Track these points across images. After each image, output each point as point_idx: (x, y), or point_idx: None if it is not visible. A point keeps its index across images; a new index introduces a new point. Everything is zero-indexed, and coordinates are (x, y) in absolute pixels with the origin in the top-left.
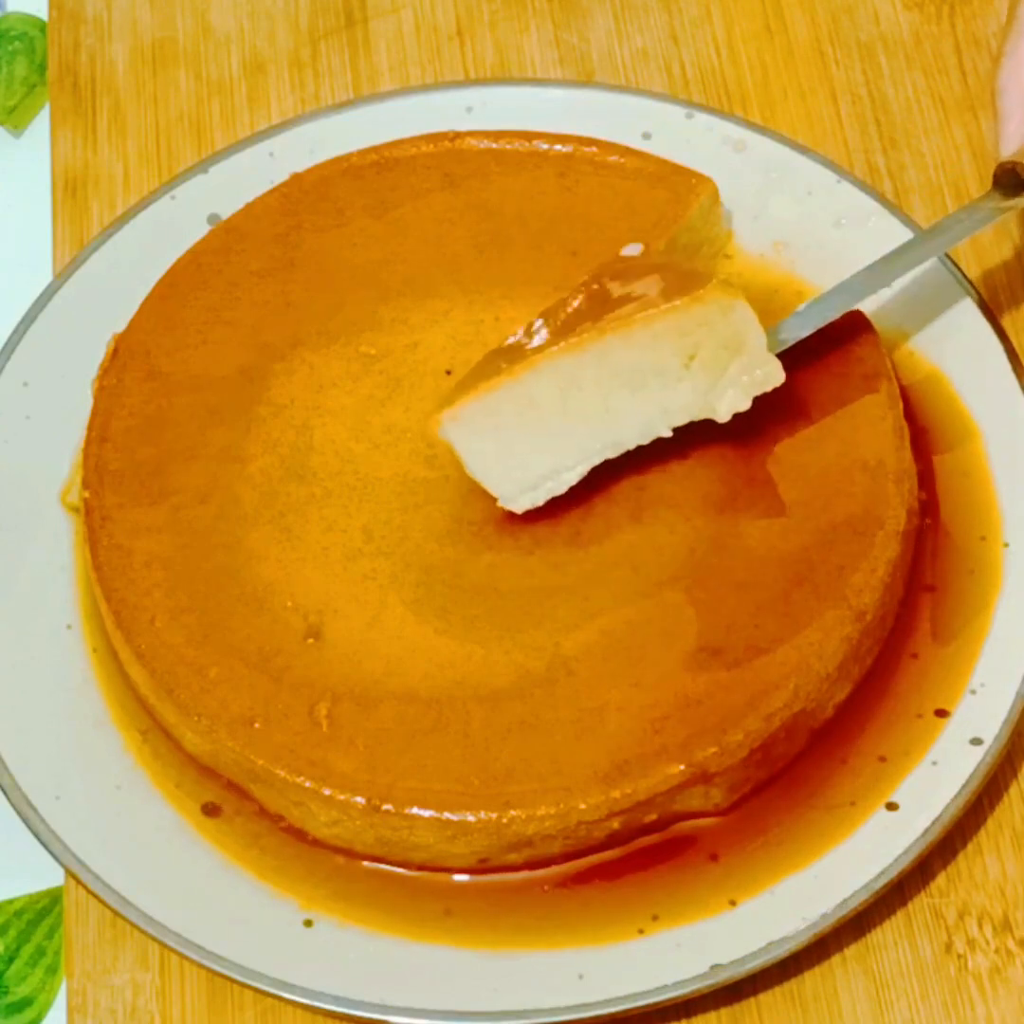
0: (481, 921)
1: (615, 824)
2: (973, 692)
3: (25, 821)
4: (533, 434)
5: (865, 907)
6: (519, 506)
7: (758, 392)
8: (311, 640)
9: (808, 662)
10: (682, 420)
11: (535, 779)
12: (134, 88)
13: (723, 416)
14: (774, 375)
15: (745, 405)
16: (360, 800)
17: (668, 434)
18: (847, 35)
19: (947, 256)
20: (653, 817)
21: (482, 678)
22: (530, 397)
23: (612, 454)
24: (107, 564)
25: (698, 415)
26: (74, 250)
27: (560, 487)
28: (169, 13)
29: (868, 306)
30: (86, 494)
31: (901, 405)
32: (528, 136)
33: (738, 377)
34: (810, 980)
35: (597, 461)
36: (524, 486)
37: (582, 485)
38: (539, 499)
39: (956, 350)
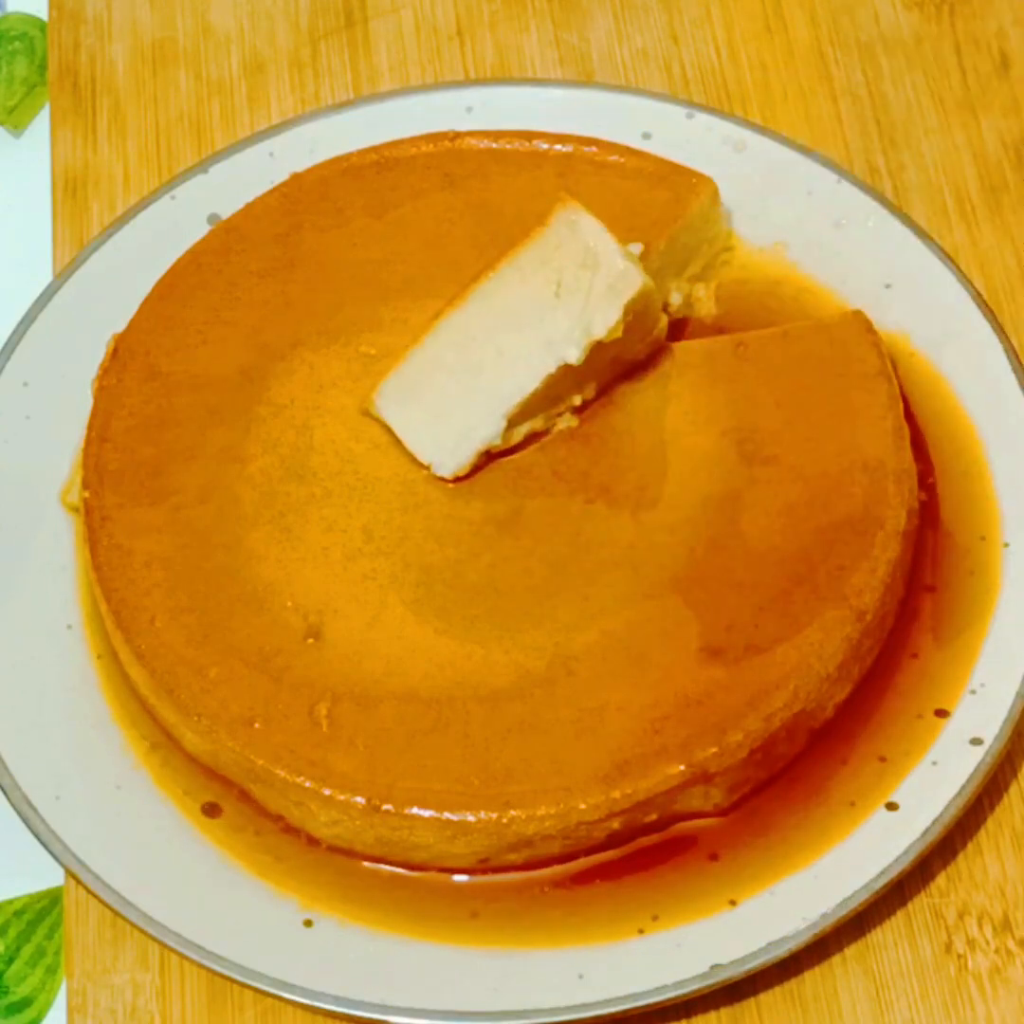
0: (481, 921)
1: (615, 824)
2: (973, 692)
3: (25, 821)
4: (447, 394)
5: (865, 907)
6: (447, 470)
7: (623, 301)
8: (311, 640)
9: (808, 662)
10: (571, 351)
11: (535, 779)
12: (134, 88)
13: (600, 333)
14: (631, 279)
15: (616, 315)
16: (360, 800)
17: (569, 362)
18: (847, 35)
19: (947, 256)
20: (653, 817)
21: (482, 678)
22: (435, 359)
23: (518, 398)
24: (107, 564)
25: (580, 341)
26: (74, 250)
27: (479, 443)
28: (169, 13)
29: (868, 307)
30: (86, 494)
31: (901, 405)
32: (528, 136)
33: (602, 291)
34: (810, 980)
35: (507, 409)
36: (449, 449)
37: (583, 484)
38: (464, 460)
39: (956, 350)
